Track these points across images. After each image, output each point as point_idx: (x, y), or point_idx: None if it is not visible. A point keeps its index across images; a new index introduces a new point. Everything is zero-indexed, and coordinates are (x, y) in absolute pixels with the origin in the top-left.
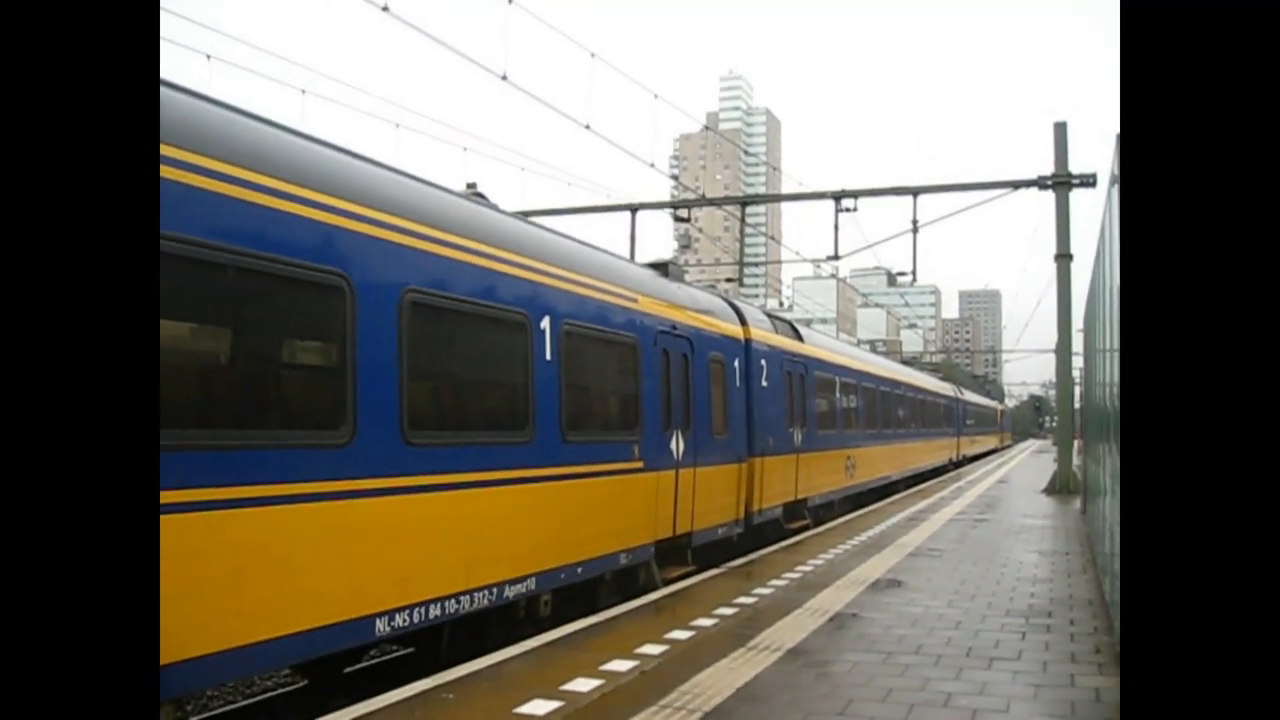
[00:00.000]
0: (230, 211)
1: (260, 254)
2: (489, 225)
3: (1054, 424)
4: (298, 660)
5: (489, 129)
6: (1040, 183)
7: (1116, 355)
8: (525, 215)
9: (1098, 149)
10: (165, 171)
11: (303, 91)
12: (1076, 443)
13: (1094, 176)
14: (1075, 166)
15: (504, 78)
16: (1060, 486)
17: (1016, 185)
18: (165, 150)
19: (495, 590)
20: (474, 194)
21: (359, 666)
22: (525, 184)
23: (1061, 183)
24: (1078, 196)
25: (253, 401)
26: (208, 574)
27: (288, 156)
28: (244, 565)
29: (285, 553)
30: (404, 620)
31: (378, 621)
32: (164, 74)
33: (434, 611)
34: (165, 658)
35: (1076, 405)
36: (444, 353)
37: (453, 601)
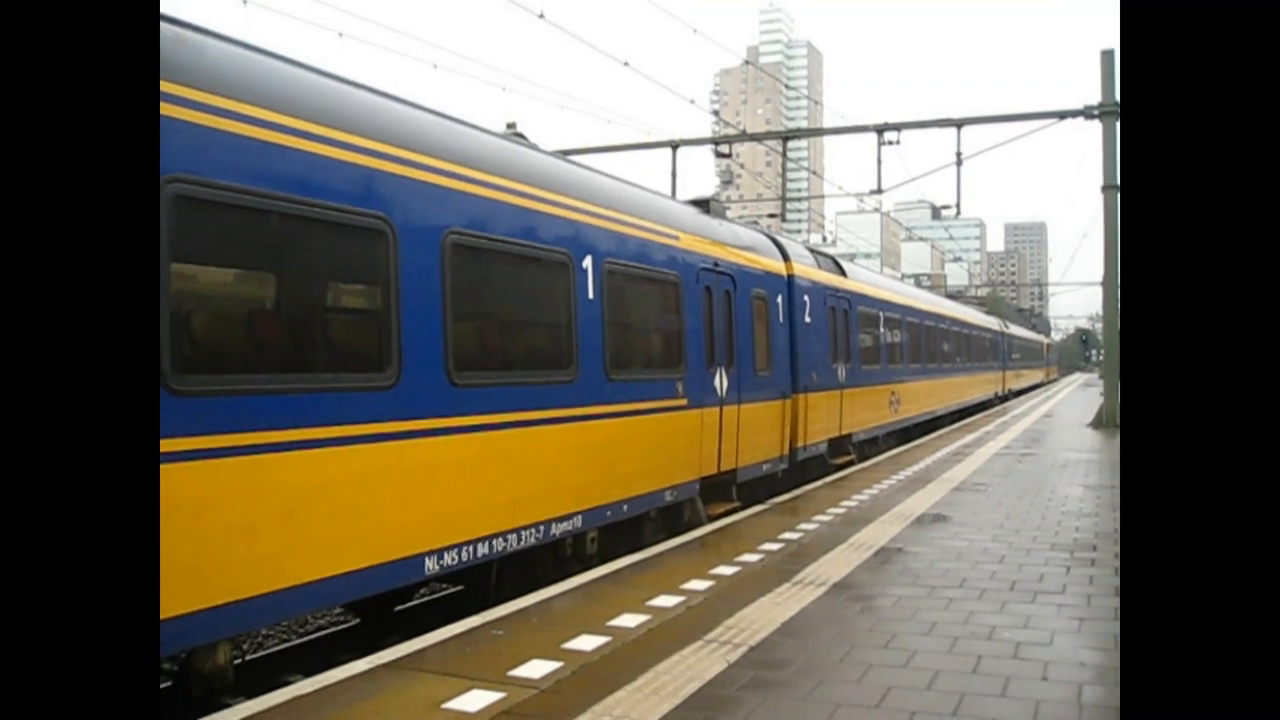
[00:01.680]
0: (271, 157)
1: (302, 199)
2: (529, 165)
3: (1100, 358)
4: (349, 599)
5: (528, 68)
6: (1087, 112)
7: None
8: (565, 154)
9: None
10: (208, 120)
11: (340, 34)
12: None
13: None
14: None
15: (541, 15)
16: (1107, 420)
17: (1063, 115)
18: (207, 98)
19: (542, 528)
20: (513, 134)
21: (409, 605)
22: (565, 122)
23: (1109, 112)
24: None
25: (299, 346)
26: (258, 516)
27: (327, 101)
28: (294, 507)
29: (334, 494)
30: (453, 559)
31: (427, 560)
32: (199, 19)
33: (482, 550)
34: (219, 598)
35: None
36: (487, 294)
37: (500, 540)
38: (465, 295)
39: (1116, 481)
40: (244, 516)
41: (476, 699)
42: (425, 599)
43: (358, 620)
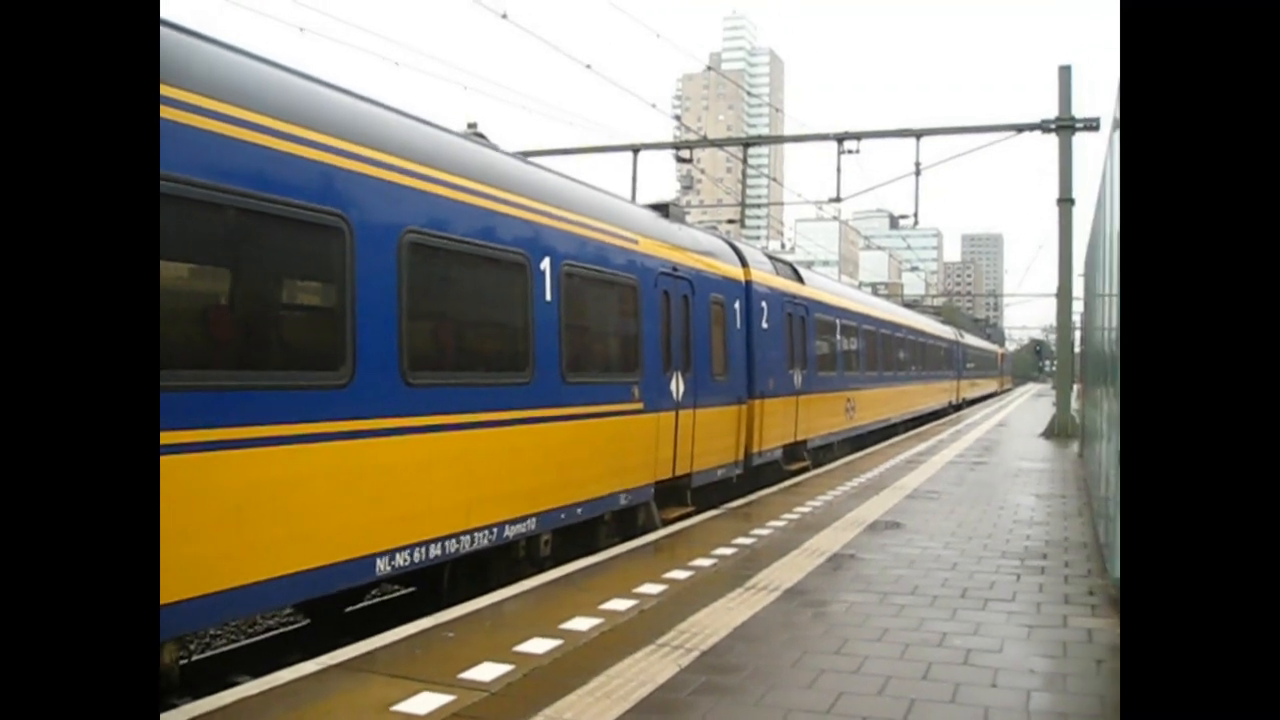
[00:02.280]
0: (228, 151)
1: (259, 194)
2: (489, 165)
3: (1054, 368)
4: (299, 600)
5: (490, 68)
6: (1044, 126)
7: (1116, 300)
8: (526, 155)
9: (1102, 93)
10: (163, 112)
11: (301, 29)
12: (1076, 387)
13: (1097, 120)
14: (1079, 111)
15: (504, 16)
16: (1059, 430)
17: (1020, 128)
18: (163, 90)
19: (495, 530)
20: (474, 134)
21: (360, 606)
22: (526, 123)
23: (1065, 126)
24: (1081, 141)
25: (252, 342)
26: (208, 514)
27: (286, 95)
28: (244, 505)
29: (285, 493)
30: (405, 560)
31: (378, 561)
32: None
33: (434, 551)
34: (167, 597)
35: (1076, 350)
36: (443, 293)
37: (453, 541)
38: (421, 295)
39: (1067, 491)
40: (192, 515)
41: (426, 701)
42: (377, 600)
43: (308, 621)
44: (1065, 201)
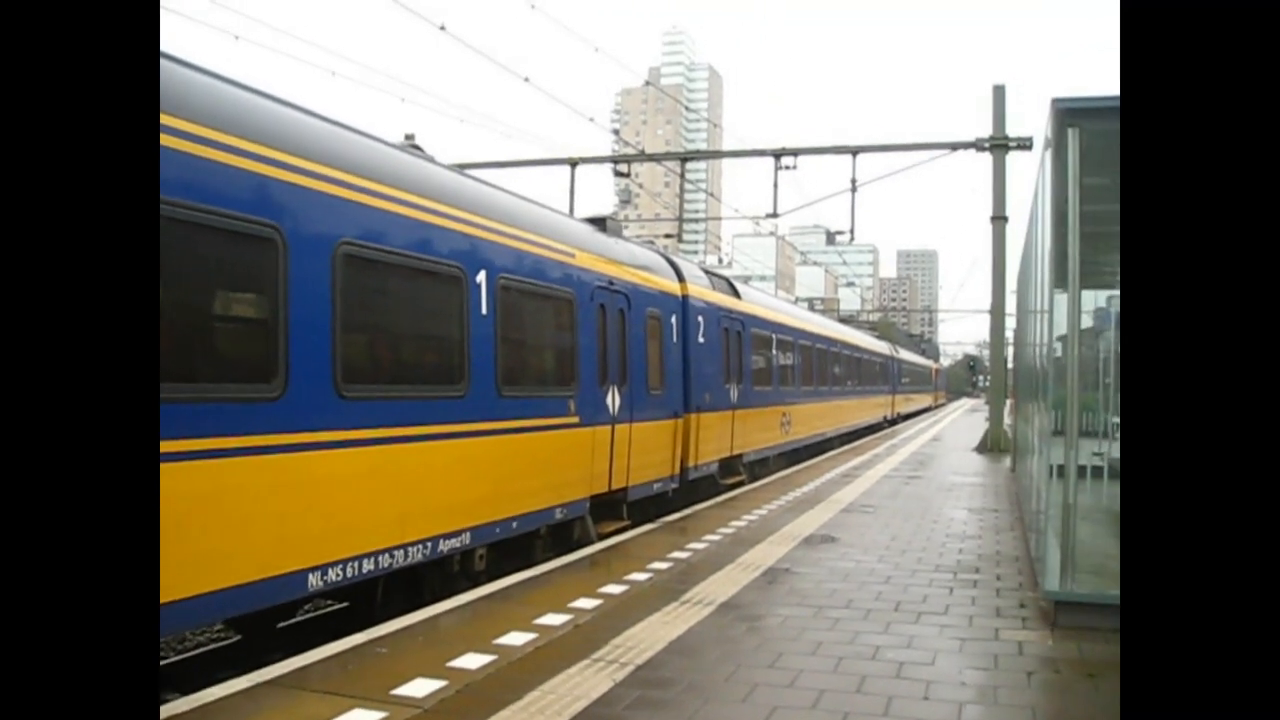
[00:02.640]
0: (160, 160)
1: (189, 204)
2: (425, 177)
3: (987, 383)
4: (229, 615)
5: (427, 79)
6: (978, 145)
7: (1047, 316)
8: (463, 168)
9: (1033, 113)
10: None
11: (236, 37)
12: (1008, 402)
13: (1030, 140)
14: (1012, 130)
15: (442, 28)
16: (991, 445)
17: (955, 147)
18: None
19: (430, 544)
20: (410, 145)
21: (292, 621)
22: (464, 136)
23: (999, 145)
24: (1014, 160)
25: (182, 354)
26: None
27: (218, 104)
28: (173, 520)
29: (216, 507)
30: (337, 575)
31: (310, 576)
32: None
33: (367, 566)
34: None
35: (1009, 365)
36: (378, 306)
37: (386, 556)
38: (356, 307)
39: (1000, 505)
40: None
41: (359, 718)
42: (309, 615)
43: (239, 637)
44: (999, 219)
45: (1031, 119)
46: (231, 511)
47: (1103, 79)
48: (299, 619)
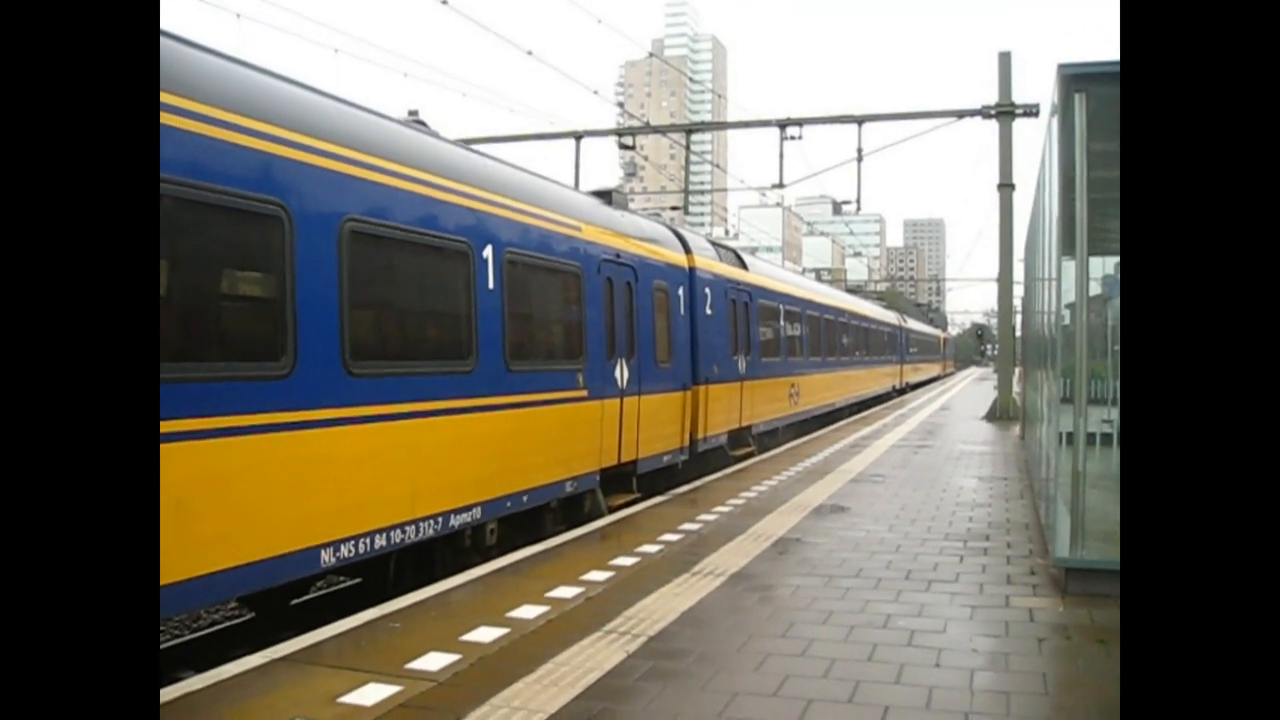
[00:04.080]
0: (164, 140)
1: (196, 183)
2: (430, 153)
3: (995, 352)
4: (243, 593)
5: (430, 55)
6: (984, 112)
7: (1055, 284)
8: (467, 143)
9: (1040, 80)
10: None
11: (238, 15)
12: (1017, 370)
13: (1036, 107)
14: (1019, 97)
15: (444, 2)
16: (1000, 413)
17: (961, 114)
18: None
19: (441, 520)
20: (415, 121)
21: (306, 598)
22: (468, 111)
23: (1005, 112)
24: (1021, 127)
25: (191, 334)
26: None
27: (223, 83)
28: (185, 499)
29: (227, 486)
30: (349, 551)
31: (323, 553)
32: None
33: (380, 542)
34: None
35: (1017, 334)
36: (385, 282)
37: (398, 531)
38: (363, 284)
39: (1009, 473)
40: None
41: (373, 693)
42: (322, 592)
43: (253, 615)
44: (1006, 187)
45: (1038, 86)
46: (243, 490)
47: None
48: (312, 596)
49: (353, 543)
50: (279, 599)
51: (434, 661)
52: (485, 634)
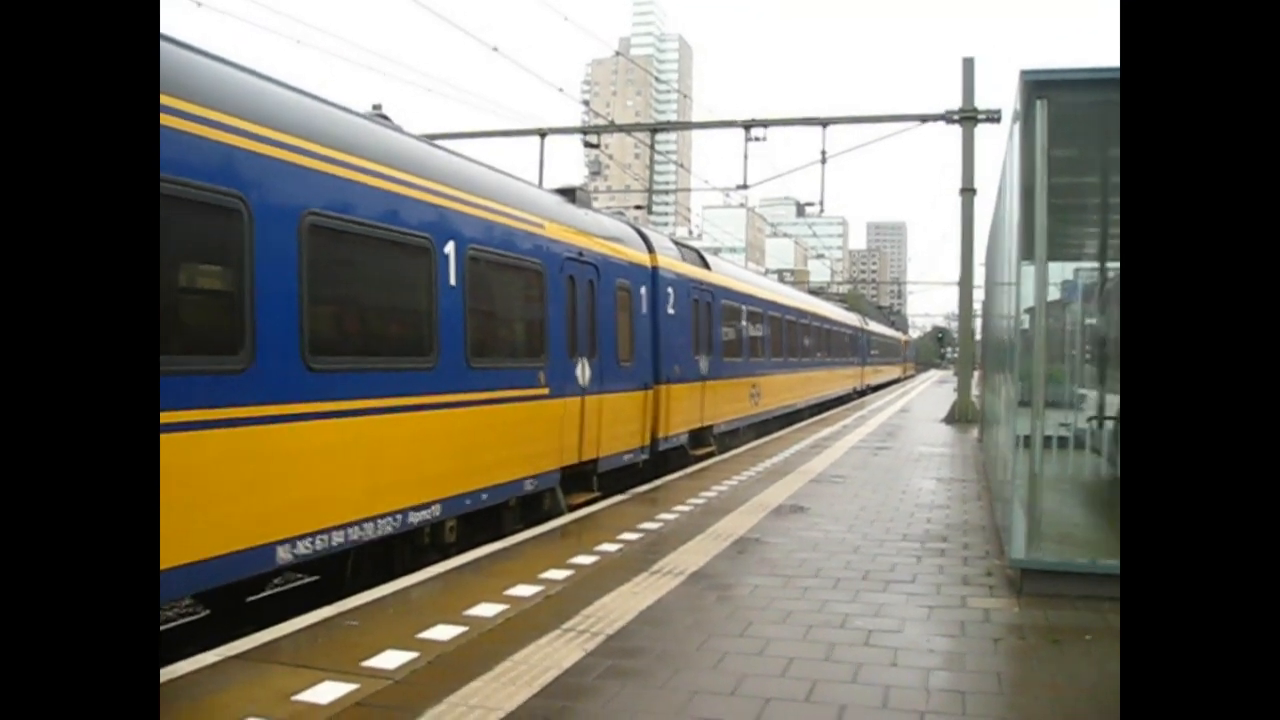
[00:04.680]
0: None
1: None
2: (393, 148)
3: (955, 355)
4: (198, 590)
5: (395, 48)
6: (947, 117)
7: (1014, 288)
8: (431, 138)
9: (1003, 86)
10: None
11: (198, 3)
12: (976, 373)
13: (999, 113)
14: (981, 103)
15: None
16: (959, 416)
17: (924, 119)
18: None
19: (399, 516)
20: (378, 115)
21: (262, 595)
22: (431, 106)
23: (968, 118)
24: (983, 133)
25: None
26: None
27: (182, 73)
28: None
29: (181, 481)
30: (307, 548)
31: (279, 549)
32: None
33: (337, 538)
34: None
35: (977, 337)
36: (346, 277)
37: (356, 528)
38: (323, 278)
39: (967, 475)
40: None
41: (329, 691)
42: (279, 589)
43: (207, 612)
44: (968, 191)
45: (1000, 92)
46: (199, 485)
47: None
48: (269, 593)
49: (310, 539)
50: (235, 596)
51: (391, 659)
52: (443, 632)
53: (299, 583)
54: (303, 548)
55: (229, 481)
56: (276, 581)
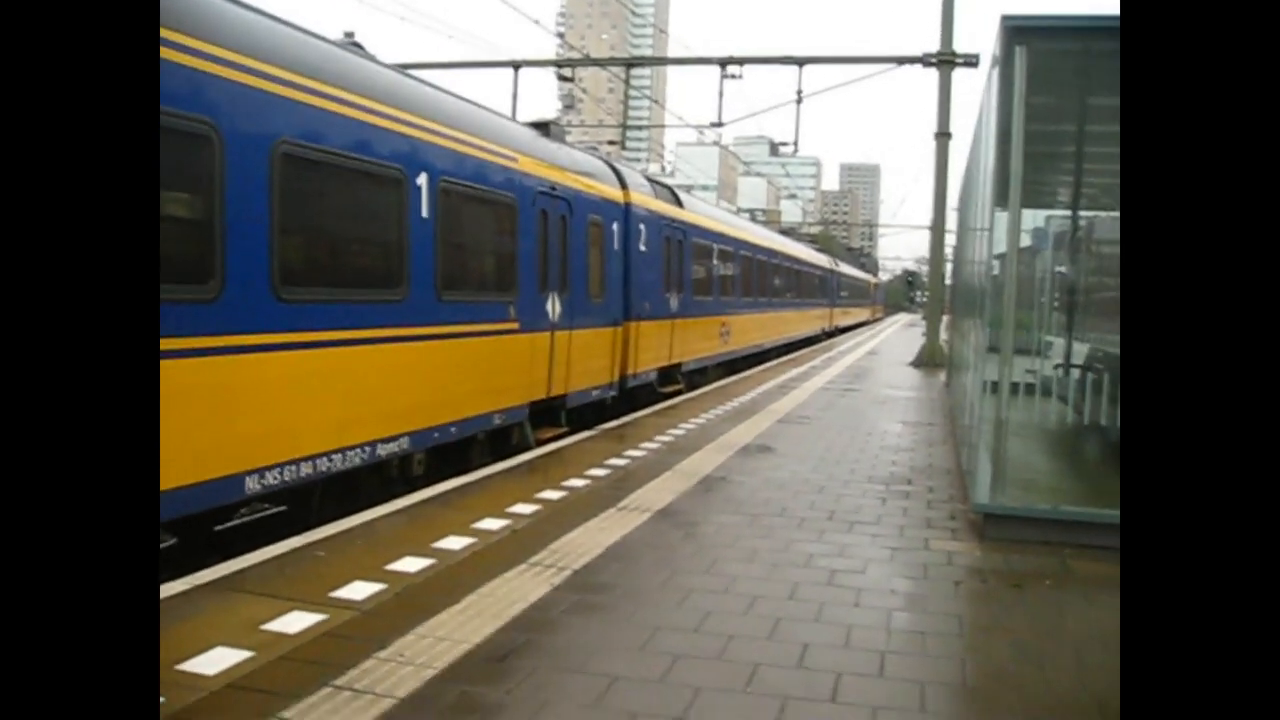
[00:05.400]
0: None
1: None
2: (366, 77)
3: (924, 299)
4: (165, 519)
5: None
6: (924, 60)
7: (987, 234)
8: (404, 68)
9: (981, 31)
10: None
11: None
12: (945, 318)
13: (977, 57)
14: (960, 47)
15: None
16: (927, 359)
17: (901, 61)
18: None
19: (368, 449)
20: (350, 44)
21: (230, 524)
22: (405, 35)
23: (945, 61)
24: (960, 77)
25: None
26: None
27: None
28: None
29: None
30: (275, 478)
31: (248, 480)
32: None
33: (306, 470)
34: None
35: (948, 282)
36: (317, 207)
37: (325, 460)
38: (294, 208)
39: (934, 419)
40: None
41: (297, 620)
42: (246, 519)
43: (175, 540)
44: (943, 136)
45: (979, 37)
46: (167, 414)
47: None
48: (236, 522)
49: (278, 470)
50: (203, 525)
51: (359, 590)
52: (410, 564)
53: (266, 513)
54: (271, 478)
55: (198, 411)
56: (244, 511)
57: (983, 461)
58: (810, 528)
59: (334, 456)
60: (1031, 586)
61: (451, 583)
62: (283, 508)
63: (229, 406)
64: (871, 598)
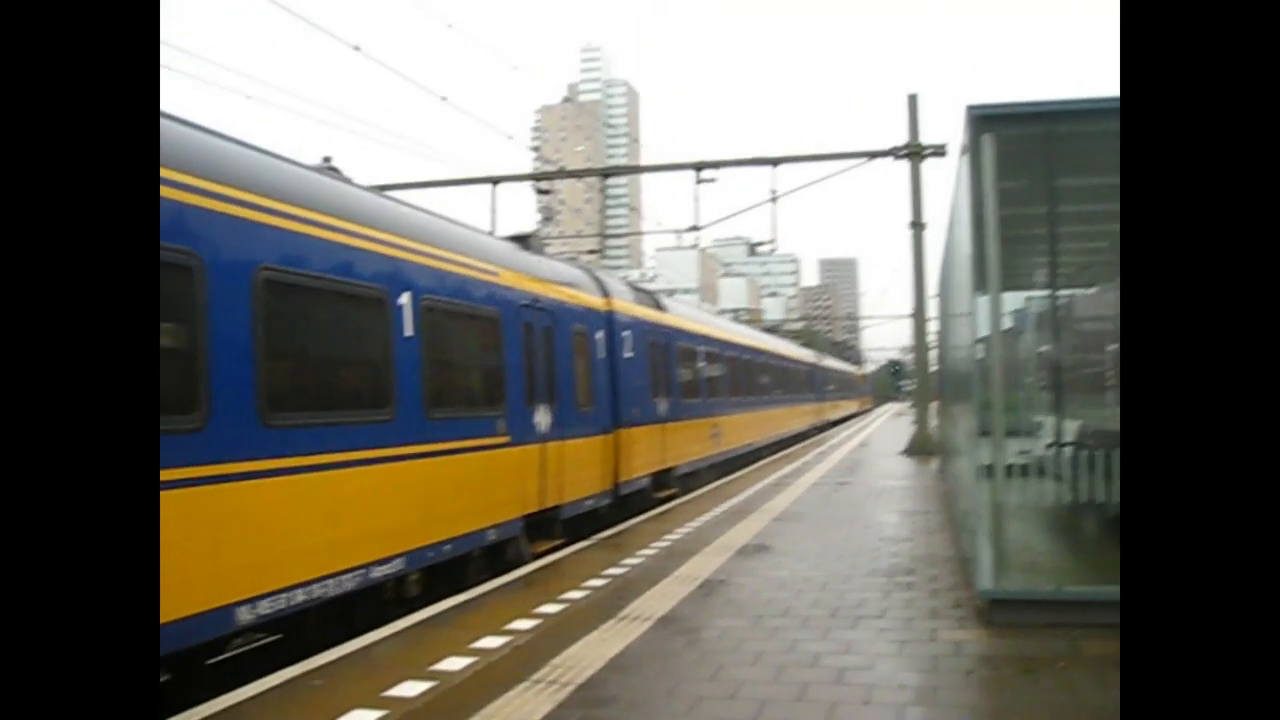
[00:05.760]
0: None
1: None
2: (345, 200)
3: (912, 387)
4: None
5: (344, 102)
6: (894, 153)
7: (969, 319)
8: (383, 190)
9: (948, 120)
10: None
11: None
12: (933, 405)
13: (944, 147)
14: (926, 137)
15: (357, 49)
16: (918, 448)
17: (872, 155)
18: None
19: (362, 572)
20: (329, 168)
21: (222, 657)
22: (382, 157)
23: (914, 153)
24: (933, 166)
25: None
26: None
27: None
28: None
29: None
30: (268, 607)
31: (239, 610)
32: None
33: (299, 596)
34: None
35: (933, 369)
36: (301, 331)
37: (318, 585)
38: (278, 333)
39: (930, 506)
40: None
41: None
42: (240, 650)
43: (167, 677)
44: (917, 225)
45: (947, 127)
46: None
47: (1014, 86)
48: (229, 654)
49: (270, 599)
50: (195, 659)
51: (358, 719)
52: (410, 688)
53: (261, 642)
54: (264, 607)
55: (186, 543)
56: (238, 641)
57: (983, 547)
58: (814, 626)
59: (327, 581)
60: (1043, 670)
61: (453, 705)
62: (277, 636)
63: (218, 536)
64: (883, 694)
